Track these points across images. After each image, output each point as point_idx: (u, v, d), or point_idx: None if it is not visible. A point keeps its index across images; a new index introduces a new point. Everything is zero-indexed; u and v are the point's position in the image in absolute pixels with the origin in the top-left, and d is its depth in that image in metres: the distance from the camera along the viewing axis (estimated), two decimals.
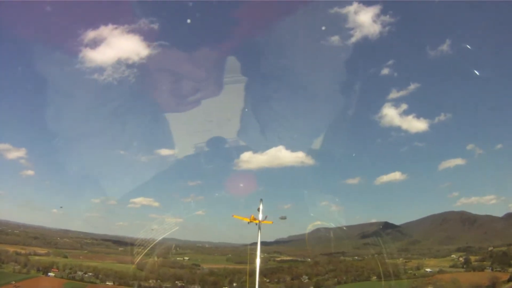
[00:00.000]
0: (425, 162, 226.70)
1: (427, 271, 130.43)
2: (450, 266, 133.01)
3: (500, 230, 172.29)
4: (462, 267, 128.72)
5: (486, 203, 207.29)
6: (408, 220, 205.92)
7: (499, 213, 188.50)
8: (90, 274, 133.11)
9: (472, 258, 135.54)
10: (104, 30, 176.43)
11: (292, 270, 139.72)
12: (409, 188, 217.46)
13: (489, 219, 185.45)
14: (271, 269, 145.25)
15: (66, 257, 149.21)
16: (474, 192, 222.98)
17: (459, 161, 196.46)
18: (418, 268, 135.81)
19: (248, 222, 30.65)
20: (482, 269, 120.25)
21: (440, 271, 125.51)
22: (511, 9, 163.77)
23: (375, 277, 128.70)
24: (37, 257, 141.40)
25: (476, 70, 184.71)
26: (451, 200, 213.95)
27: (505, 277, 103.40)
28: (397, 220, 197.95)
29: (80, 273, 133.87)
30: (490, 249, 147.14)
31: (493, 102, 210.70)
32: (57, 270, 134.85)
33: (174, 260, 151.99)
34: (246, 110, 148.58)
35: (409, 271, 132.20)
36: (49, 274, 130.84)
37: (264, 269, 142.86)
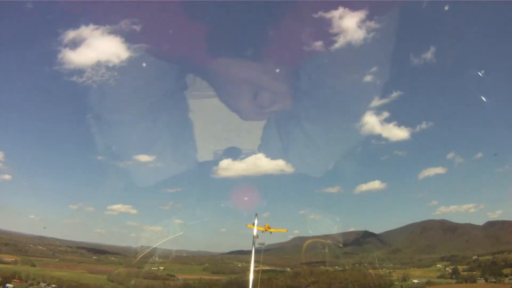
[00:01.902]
0: (405, 170, 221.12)
1: (414, 282, 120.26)
2: (438, 277, 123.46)
3: (482, 238, 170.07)
4: (451, 278, 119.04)
5: (466, 211, 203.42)
6: (387, 228, 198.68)
7: (479, 221, 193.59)
8: (53, 286, 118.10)
9: (460, 267, 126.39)
10: (85, 30, 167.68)
11: (272, 282, 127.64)
12: (388, 196, 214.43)
13: (470, 228, 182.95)
14: (248, 282, 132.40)
15: (34, 265, 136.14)
16: (454, 200, 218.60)
17: (439, 170, 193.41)
18: (404, 279, 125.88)
19: (263, 231, 29.92)
20: (473, 280, 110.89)
21: (429, 283, 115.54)
22: (494, 19, 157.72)
23: None
24: (1, 265, 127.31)
25: (457, 79, 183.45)
26: (430, 208, 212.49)
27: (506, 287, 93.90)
28: (377, 229, 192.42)
29: (43, 284, 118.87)
30: (474, 258, 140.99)
31: (474, 111, 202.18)
32: (18, 281, 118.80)
33: (149, 270, 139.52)
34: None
35: (395, 283, 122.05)
36: (8, 286, 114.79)
37: (242, 280, 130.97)
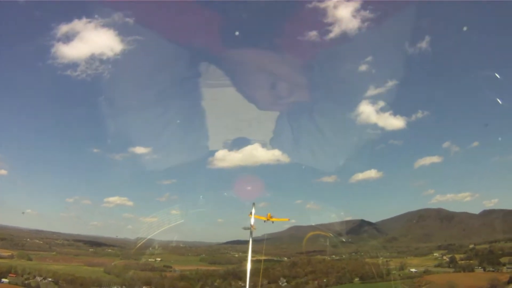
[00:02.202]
0: (401, 159, 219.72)
1: (412, 271, 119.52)
2: (436, 266, 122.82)
3: (478, 227, 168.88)
4: (449, 267, 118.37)
5: (461, 200, 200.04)
6: (384, 217, 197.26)
7: (474, 210, 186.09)
8: (50, 279, 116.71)
9: (457, 256, 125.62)
10: (77, 24, 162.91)
11: (269, 272, 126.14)
12: (384, 185, 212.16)
13: (467, 216, 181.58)
14: (245, 271, 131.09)
15: (30, 259, 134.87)
16: (450, 189, 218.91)
17: (435, 159, 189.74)
18: (402, 268, 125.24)
19: (265, 221, 29.50)
20: (471, 269, 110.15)
21: (426, 271, 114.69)
22: (490, 9, 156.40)
23: (358, 279, 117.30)
24: None
25: (453, 67, 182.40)
26: (426, 197, 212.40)
27: (504, 278, 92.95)
28: (373, 218, 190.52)
29: (39, 278, 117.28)
30: (471, 246, 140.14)
31: (470, 99, 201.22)
32: (14, 276, 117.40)
33: (146, 261, 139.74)
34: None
35: (393, 272, 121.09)
36: (3, 280, 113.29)
37: (239, 271, 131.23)
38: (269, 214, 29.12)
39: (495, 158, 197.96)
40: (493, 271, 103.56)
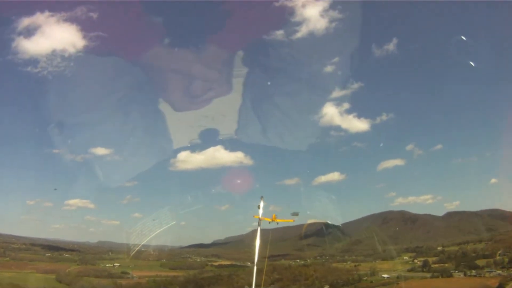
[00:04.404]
0: (365, 162, 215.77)
1: (384, 277, 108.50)
2: (409, 270, 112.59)
3: (443, 229, 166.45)
4: (423, 271, 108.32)
5: (423, 202, 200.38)
6: (348, 220, 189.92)
7: (436, 212, 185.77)
8: None
9: (429, 260, 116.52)
10: (40, 17, 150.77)
11: (233, 280, 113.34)
12: (348, 188, 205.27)
13: (430, 218, 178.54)
14: (208, 279, 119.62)
15: None
16: (411, 192, 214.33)
17: (398, 162, 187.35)
18: (373, 274, 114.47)
19: (269, 222, 27.70)
20: (449, 273, 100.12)
21: (400, 277, 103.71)
22: (458, 9, 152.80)
23: (328, 287, 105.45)
24: None
25: (419, 70, 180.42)
26: (389, 200, 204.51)
27: (492, 283, 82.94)
28: (337, 220, 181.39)
29: None
30: (440, 248, 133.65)
31: (435, 103, 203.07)
32: None
33: (104, 267, 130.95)
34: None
35: (364, 278, 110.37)
36: None
37: (200, 278, 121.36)
38: (274, 215, 27.58)
39: (457, 161, 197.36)
40: (475, 276, 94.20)
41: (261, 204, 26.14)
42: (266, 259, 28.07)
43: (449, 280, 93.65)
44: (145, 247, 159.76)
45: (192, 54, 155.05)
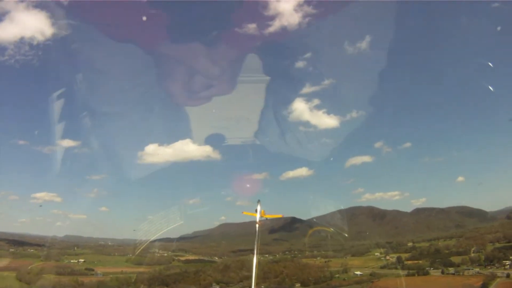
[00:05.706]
0: (333, 158, 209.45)
1: (357, 274, 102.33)
2: (382, 267, 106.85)
3: (411, 225, 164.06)
4: (396, 268, 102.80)
5: (390, 199, 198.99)
6: (315, 215, 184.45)
7: (404, 209, 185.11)
8: None
9: (402, 256, 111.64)
10: (9, 3, 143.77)
11: (200, 277, 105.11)
12: (315, 183, 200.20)
13: (398, 214, 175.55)
14: (174, 276, 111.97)
15: None
16: (379, 188, 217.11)
17: (366, 158, 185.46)
18: (345, 271, 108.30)
19: (266, 219, 25.90)
20: (425, 271, 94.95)
21: (374, 274, 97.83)
22: (430, 8, 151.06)
23: (299, 285, 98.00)
24: None
25: (391, 69, 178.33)
26: (356, 195, 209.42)
27: (475, 282, 77.75)
28: (304, 215, 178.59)
29: None
30: (410, 244, 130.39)
31: (406, 101, 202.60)
32: None
33: (68, 263, 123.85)
34: None
35: (336, 275, 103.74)
36: None
37: (166, 276, 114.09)
38: (263, 210, 25.07)
39: (425, 159, 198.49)
40: (453, 274, 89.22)
41: (258, 208, 24.77)
42: (257, 262, 25.20)
43: (425, 279, 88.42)
44: (112, 242, 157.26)
45: (154, 46, 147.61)
